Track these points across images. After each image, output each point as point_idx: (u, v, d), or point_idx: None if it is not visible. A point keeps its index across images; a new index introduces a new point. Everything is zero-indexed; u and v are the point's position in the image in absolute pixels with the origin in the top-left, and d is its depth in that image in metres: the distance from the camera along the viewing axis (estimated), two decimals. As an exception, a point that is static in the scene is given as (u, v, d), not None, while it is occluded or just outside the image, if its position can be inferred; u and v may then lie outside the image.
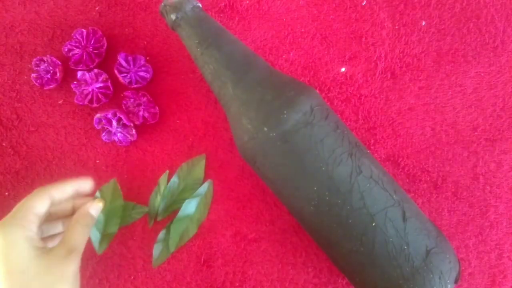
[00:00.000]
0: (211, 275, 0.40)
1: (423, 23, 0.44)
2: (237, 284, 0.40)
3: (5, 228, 0.31)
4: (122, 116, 0.41)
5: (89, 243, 0.41)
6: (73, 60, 0.42)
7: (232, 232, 0.41)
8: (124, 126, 0.41)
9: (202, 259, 0.41)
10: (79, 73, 0.42)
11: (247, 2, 0.44)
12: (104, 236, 0.40)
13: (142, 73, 0.42)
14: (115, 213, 0.40)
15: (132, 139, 0.42)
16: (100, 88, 0.42)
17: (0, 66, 0.44)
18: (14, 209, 0.33)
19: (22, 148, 0.43)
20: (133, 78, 0.42)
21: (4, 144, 0.43)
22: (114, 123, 0.41)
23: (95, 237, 0.40)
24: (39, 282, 0.30)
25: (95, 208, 0.35)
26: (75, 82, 0.42)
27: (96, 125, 0.41)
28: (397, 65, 0.43)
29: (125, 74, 0.42)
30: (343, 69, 0.43)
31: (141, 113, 0.42)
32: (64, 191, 0.35)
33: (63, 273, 0.31)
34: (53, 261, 0.31)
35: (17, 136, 0.43)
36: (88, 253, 0.41)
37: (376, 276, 0.33)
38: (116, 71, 0.41)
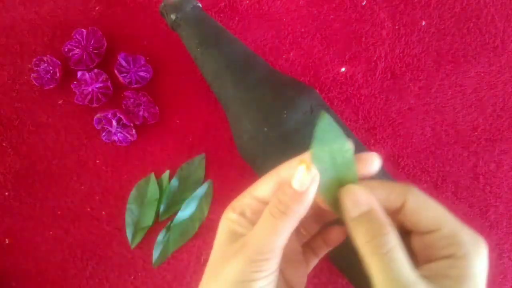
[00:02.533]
0: (211, 275, 0.40)
1: (423, 23, 0.44)
2: (237, 284, 0.40)
3: None
4: (122, 116, 0.41)
5: (83, 241, 0.41)
6: (73, 60, 0.42)
7: (232, 232, 0.41)
8: (124, 126, 0.41)
9: (202, 259, 0.41)
10: (79, 73, 0.42)
11: (247, 2, 0.44)
12: (137, 229, 0.40)
13: (142, 73, 0.42)
14: (150, 206, 0.41)
15: (132, 139, 0.42)
16: (100, 88, 0.42)
17: (0, 66, 0.44)
18: None
19: (22, 148, 0.43)
20: (133, 78, 0.42)
21: (4, 144, 0.43)
22: (114, 123, 0.41)
23: (128, 230, 0.40)
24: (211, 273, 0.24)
25: (299, 180, 0.22)
26: (75, 82, 0.42)
27: (96, 125, 0.41)
28: (397, 65, 0.43)
29: (125, 74, 0.42)
30: (343, 69, 0.43)
31: (141, 113, 0.42)
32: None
33: (220, 274, 0.23)
34: (224, 255, 0.24)
35: (17, 136, 0.43)
36: (88, 253, 0.41)
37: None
38: (116, 71, 0.41)
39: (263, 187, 0.24)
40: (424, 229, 0.23)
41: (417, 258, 0.23)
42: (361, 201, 0.22)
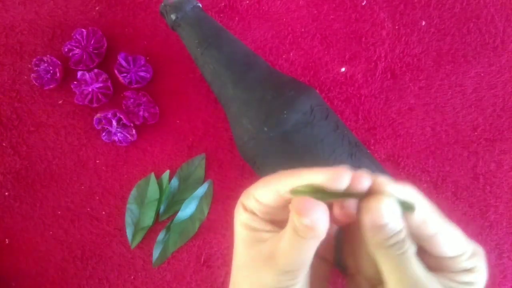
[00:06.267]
0: (211, 275, 0.40)
1: (423, 23, 0.44)
2: (237, 284, 0.40)
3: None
4: (122, 116, 0.41)
5: (83, 241, 0.41)
6: (73, 60, 0.42)
7: (232, 232, 0.41)
8: (124, 126, 0.41)
9: (202, 259, 0.41)
10: (79, 73, 0.42)
11: (247, 2, 0.44)
12: (137, 229, 0.40)
13: (142, 73, 0.42)
14: (150, 206, 0.41)
15: (132, 139, 0.42)
16: (100, 88, 0.42)
17: (0, 66, 0.44)
18: None
19: (22, 148, 0.43)
20: (133, 78, 0.42)
21: (4, 144, 0.43)
22: (114, 123, 0.41)
23: (128, 230, 0.41)
24: (243, 279, 0.25)
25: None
26: (75, 82, 0.42)
27: (96, 125, 0.41)
28: (397, 65, 0.43)
29: (125, 74, 0.42)
30: (343, 69, 0.43)
31: (141, 113, 0.42)
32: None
33: (254, 278, 0.24)
34: (254, 260, 0.24)
35: (17, 136, 0.43)
36: (88, 253, 0.41)
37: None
38: (116, 71, 0.41)
39: (264, 195, 0.25)
40: (449, 256, 0.24)
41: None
42: (384, 217, 0.22)
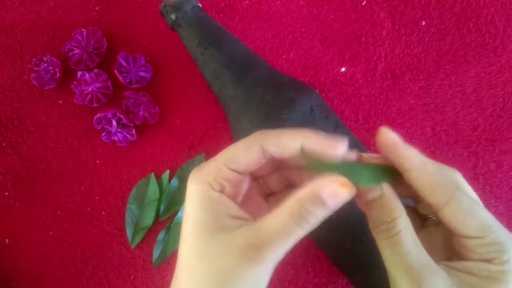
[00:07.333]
0: (211, 275, 0.40)
1: (423, 23, 0.44)
2: (237, 284, 0.40)
3: (190, 179, 0.23)
4: (122, 116, 0.41)
5: (83, 241, 0.41)
6: (73, 60, 0.42)
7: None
8: (124, 126, 0.41)
9: (202, 259, 0.41)
10: (79, 73, 0.42)
11: (247, 2, 0.44)
12: (137, 229, 0.40)
13: (142, 73, 0.42)
14: (150, 206, 0.41)
15: (132, 139, 0.42)
16: (100, 88, 0.42)
17: (0, 66, 0.44)
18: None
19: (22, 148, 0.43)
20: (133, 78, 0.42)
21: (4, 144, 0.43)
22: (114, 123, 0.41)
23: (128, 230, 0.40)
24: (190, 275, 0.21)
25: (334, 194, 0.20)
26: (75, 82, 0.42)
27: (96, 125, 0.41)
28: (397, 65, 0.43)
29: (125, 74, 0.42)
30: (343, 69, 0.43)
31: (141, 113, 0.42)
32: (285, 147, 0.22)
33: (229, 277, 0.20)
34: (222, 249, 0.20)
35: (17, 136, 0.43)
36: (88, 253, 0.41)
37: (376, 276, 0.33)
38: (116, 71, 0.41)
39: (243, 161, 0.22)
40: (465, 235, 0.22)
41: (447, 247, 0.24)
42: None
